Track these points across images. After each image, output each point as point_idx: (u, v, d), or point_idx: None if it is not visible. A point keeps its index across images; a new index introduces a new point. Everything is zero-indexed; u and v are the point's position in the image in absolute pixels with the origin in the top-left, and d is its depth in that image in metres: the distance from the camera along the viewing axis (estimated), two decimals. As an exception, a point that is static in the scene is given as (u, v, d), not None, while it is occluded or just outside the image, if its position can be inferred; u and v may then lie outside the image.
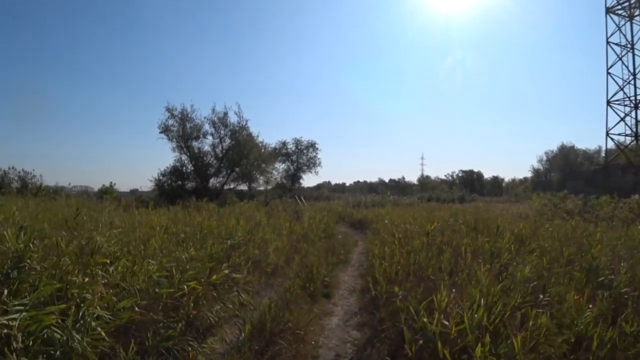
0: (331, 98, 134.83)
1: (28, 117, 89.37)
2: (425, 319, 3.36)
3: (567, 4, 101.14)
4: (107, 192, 22.56)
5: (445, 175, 69.31)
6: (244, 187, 26.17)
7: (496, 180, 68.22)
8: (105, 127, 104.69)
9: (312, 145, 41.00)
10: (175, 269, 4.19)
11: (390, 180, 71.99)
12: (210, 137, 23.08)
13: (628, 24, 34.33)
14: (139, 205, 13.46)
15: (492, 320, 3.25)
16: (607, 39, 35.02)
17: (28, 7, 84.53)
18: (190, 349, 3.53)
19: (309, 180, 63.26)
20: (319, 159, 41.17)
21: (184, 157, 22.66)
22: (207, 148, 23.15)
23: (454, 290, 4.11)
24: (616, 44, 34.74)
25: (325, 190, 56.37)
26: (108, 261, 3.34)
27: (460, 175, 67.59)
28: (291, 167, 40.83)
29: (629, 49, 34.25)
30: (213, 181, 23.21)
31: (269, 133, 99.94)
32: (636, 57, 34.02)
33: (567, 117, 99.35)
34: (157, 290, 3.50)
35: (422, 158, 73.43)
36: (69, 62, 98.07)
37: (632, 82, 33.98)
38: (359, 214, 18.91)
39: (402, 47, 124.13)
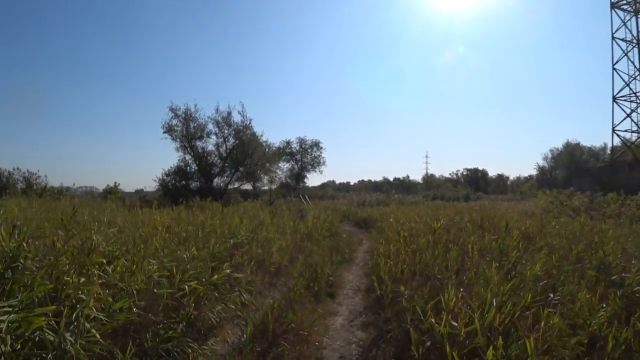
0: (334, 97, 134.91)
1: (32, 117, 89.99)
2: (432, 320, 3.24)
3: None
4: (111, 192, 22.63)
5: (450, 174, 69.38)
6: (248, 186, 26.09)
7: (501, 179, 68.09)
8: (110, 128, 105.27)
9: (316, 145, 41.00)
10: (176, 268, 4.10)
11: (395, 179, 71.99)
12: (214, 137, 22.96)
13: (634, 19, 33.83)
14: (143, 205, 13.45)
15: (501, 320, 3.14)
16: (612, 34, 34.55)
17: (29, 7, 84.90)
18: (190, 350, 3.45)
19: (313, 179, 63.07)
20: (323, 158, 41.20)
21: (187, 157, 22.57)
22: (211, 148, 23.05)
23: (461, 289, 3.99)
24: (622, 40, 34.26)
25: (330, 190, 56.45)
26: (105, 261, 3.24)
27: (464, 173, 67.52)
28: (295, 166, 40.85)
29: (634, 45, 33.83)
30: (217, 181, 23.10)
31: (272, 133, 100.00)
32: (642, 52, 33.67)
33: (572, 114, 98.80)
34: (155, 290, 3.40)
35: (427, 156, 72.92)
36: (71, 62, 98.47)
37: (638, 77, 33.58)
38: (364, 212, 18.86)
39: (405, 46, 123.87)
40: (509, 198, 39.43)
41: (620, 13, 34.40)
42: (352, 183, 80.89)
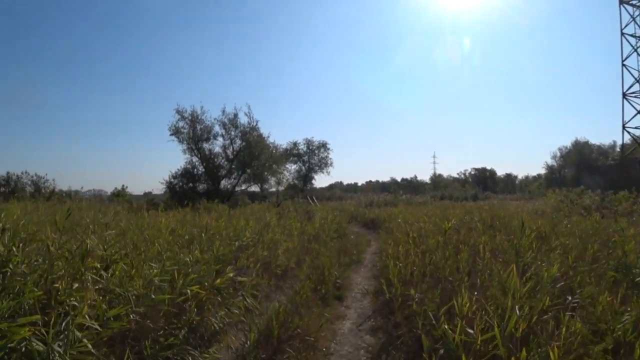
0: (341, 97, 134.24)
1: (40, 121, 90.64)
2: (445, 326, 3.06)
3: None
4: (119, 195, 22.62)
5: (458, 174, 68.96)
6: (255, 188, 26.04)
7: (509, 178, 67.58)
8: (118, 131, 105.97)
9: (323, 146, 40.77)
10: (178, 272, 3.97)
11: (403, 180, 71.66)
12: (220, 139, 22.88)
13: (643, 14, 33.39)
14: (150, 207, 13.42)
15: (518, 325, 2.94)
16: (621, 30, 34.00)
17: (31, 7, 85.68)
18: (191, 358, 3.31)
19: (320, 180, 62.73)
20: (330, 159, 40.94)
21: (194, 159, 22.52)
22: (217, 149, 22.99)
23: (475, 292, 3.80)
24: (631, 35, 33.69)
25: (338, 191, 56.26)
26: (99, 265, 3.09)
27: (472, 173, 67.08)
28: (303, 167, 40.67)
29: (644, 40, 33.31)
30: (224, 183, 22.99)
31: (279, 134, 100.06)
32: (652, 48, 33.11)
33: (580, 112, 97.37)
34: (152, 296, 3.26)
35: (434, 157, 72.29)
36: (76, 65, 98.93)
37: (648, 73, 33.02)
38: (372, 213, 18.71)
39: (410, 45, 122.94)
40: (518, 197, 38.92)
41: (630, 8, 33.83)
42: (359, 184, 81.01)
